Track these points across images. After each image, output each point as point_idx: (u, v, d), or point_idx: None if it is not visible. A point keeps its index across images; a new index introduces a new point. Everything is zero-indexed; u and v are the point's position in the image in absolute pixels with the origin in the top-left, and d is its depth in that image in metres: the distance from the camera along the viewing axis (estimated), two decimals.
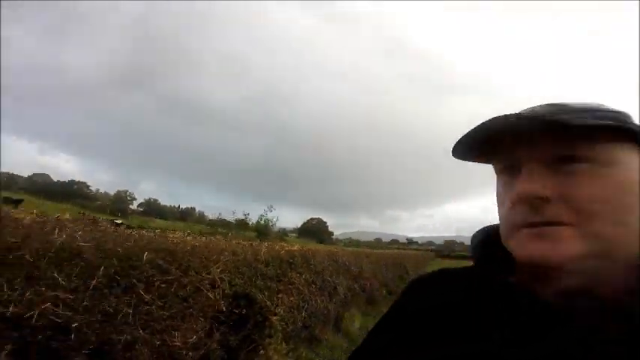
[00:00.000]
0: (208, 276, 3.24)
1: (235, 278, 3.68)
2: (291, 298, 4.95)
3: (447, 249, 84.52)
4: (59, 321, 1.93)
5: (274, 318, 4.07)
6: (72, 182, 72.77)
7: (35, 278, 1.90)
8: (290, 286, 5.08)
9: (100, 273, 2.16)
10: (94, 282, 2.13)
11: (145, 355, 2.45)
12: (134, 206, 73.91)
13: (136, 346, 2.40)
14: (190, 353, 2.87)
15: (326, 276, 6.68)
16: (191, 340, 2.90)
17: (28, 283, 1.86)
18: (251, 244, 4.74)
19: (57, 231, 2.09)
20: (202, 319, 3.08)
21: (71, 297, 2.02)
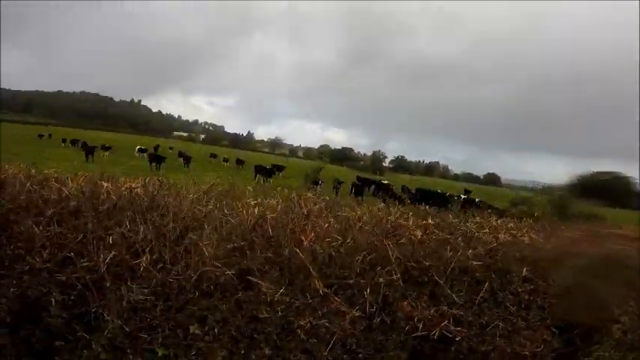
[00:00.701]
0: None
1: None
2: None
3: None
4: (450, 335, 2.14)
5: (616, 326, 3.54)
6: (344, 149, 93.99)
7: (437, 296, 2.15)
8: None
9: (485, 288, 2.22)
10: (478, 297, 2.21)
11: None
12: (386, 164, 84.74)
13: (492, 355, 2.40)
14: None
15: None
16: (538, 349, 2.69)
17: (432, 302, 2.12)
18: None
19: (449, 250, 2.27)
20: (548, 327, 2.82)
21: (461, 313, 2.17)
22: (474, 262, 2.22)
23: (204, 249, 1.87)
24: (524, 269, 2.37)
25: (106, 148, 25.45)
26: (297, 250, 1.84)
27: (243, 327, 1.76)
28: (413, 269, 2.11)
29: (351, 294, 1.96)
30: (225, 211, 2.30)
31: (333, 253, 1.98)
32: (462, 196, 19.66)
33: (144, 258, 1.77)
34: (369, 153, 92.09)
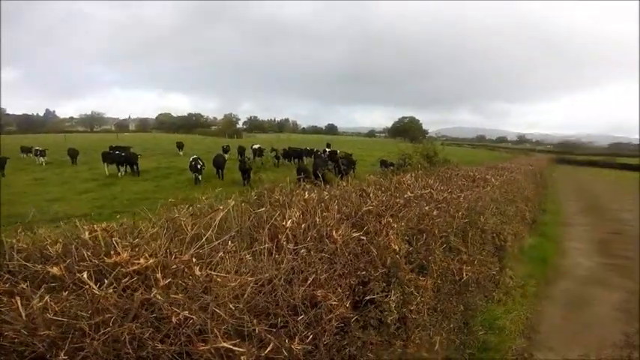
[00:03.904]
0: None
1: None
2: None
3: (564, 150, 63.75)
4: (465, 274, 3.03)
5: None
6: (190, 115, 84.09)
7: (452, 250, 2.94)
8: None
9: (470, 235, 3.16)
10: (467, 242, 3.15)
11: None
12: (240, 125, 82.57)
13: (479, 279, 3.47)
14: None
15: None
16: (493, 267, 3.99)
17: (452, 254, 2.91)
18: None
19: (447, 216, 3.03)
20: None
21: (466, 257, 3.08)
22: (462, 220, 3.12)
23: None
24: (481, 216, 3.45)
25: None
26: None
27: None
28: (441, 237, 2.78)
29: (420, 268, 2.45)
30: None
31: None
32: (327, 150, 21.88)
33: None
34: (220, 117, 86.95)
